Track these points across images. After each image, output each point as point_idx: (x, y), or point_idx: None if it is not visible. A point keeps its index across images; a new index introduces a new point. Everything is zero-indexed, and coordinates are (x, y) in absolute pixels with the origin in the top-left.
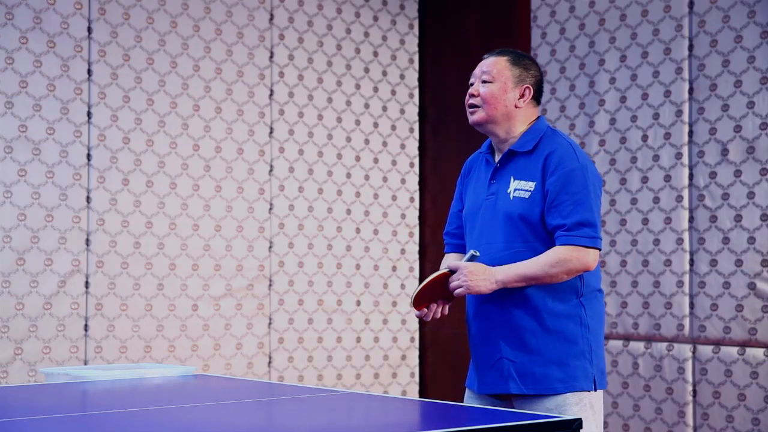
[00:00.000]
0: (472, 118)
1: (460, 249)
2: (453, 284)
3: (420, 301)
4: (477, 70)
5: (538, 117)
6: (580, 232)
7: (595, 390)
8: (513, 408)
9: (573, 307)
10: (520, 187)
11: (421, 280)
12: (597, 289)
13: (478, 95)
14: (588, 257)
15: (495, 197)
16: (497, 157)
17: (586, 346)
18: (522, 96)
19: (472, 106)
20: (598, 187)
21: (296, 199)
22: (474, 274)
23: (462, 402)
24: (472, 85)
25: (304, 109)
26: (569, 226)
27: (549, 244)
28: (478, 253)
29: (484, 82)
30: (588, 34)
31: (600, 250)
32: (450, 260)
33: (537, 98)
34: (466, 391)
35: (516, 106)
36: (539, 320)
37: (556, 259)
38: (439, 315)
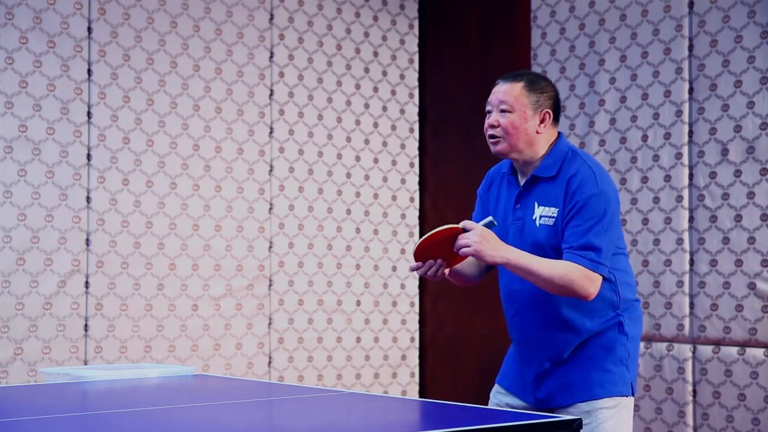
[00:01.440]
0: (495, 149)
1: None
2: (462, 241)
3: (423, 253)
4: (493, 98)
5: (558, 136)
6: (585, 254)
7: (632, 395)
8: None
9: (612, 318)
10: (545, 214)
11: (421, 283)
12: (633, 299)
13: (499, 125)
14: (591, 285)
15: (522, 222)
16: (521, 180)
17: (624, 353)
18: (542, 121)
19: (493, 136)
20: (615, 212)
21: (296, 199)
22: (487, 239)
23: (461, 402)
24: (489, 112)
25: (304, 109)
26: (576, 247)
27: None
28: (495, 222)
29: (502, 111)
30: (588, 34)
31: (603, 276)
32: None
33: (556, 118)
34: (496, 386)
35: (537, 132)
36: (582, 338)
37: (566, 272)
38: (433, 273)
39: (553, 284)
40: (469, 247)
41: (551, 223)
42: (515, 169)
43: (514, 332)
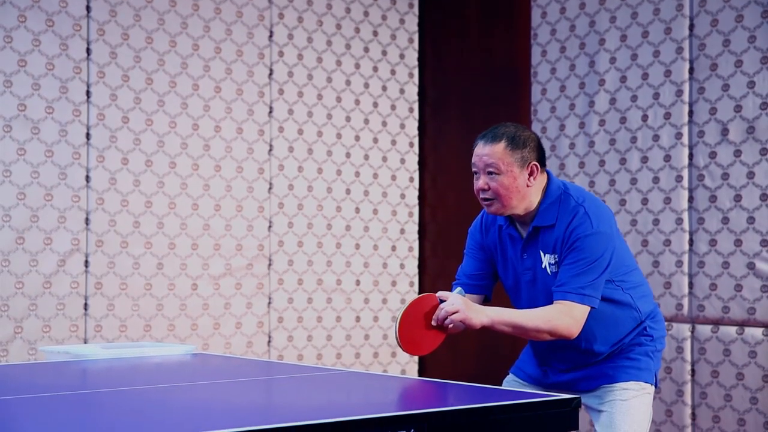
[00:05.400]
0: (490, 210)
1: (477, 290)
2: (449, 308)
3: (405, 328)
4: (478, 161)
5: (548, 179)
6: (573, 289)
7: (655, 386)
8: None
9: (639, 327)
10: (551, 261)
11: (420, 262)
12: (653, 308)
13: (489, 189)
14: (574, 324)
15: (532, 272)
16: (521, 230)
17: (651, 347)
18: (531, 174)
19: (485, 199)
20: (609, 248)
21: (296, 178)
22: (469, 305)
23: (461, 381)
24: (475, 173)
25: (303, 89)
26: (564, 283)
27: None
28: (464, 293)
29: (489, 173)
30: (588, 13)
31: (592, 307)
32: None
33: (543, 164)
34: (511, 376)
35: (528, 186)
36: (611, 348)
37: (549, 317)
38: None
39: (541, 333)
40: (457, 312)
41: (557, 270)
42: (511, 219)
43: (546, 358)
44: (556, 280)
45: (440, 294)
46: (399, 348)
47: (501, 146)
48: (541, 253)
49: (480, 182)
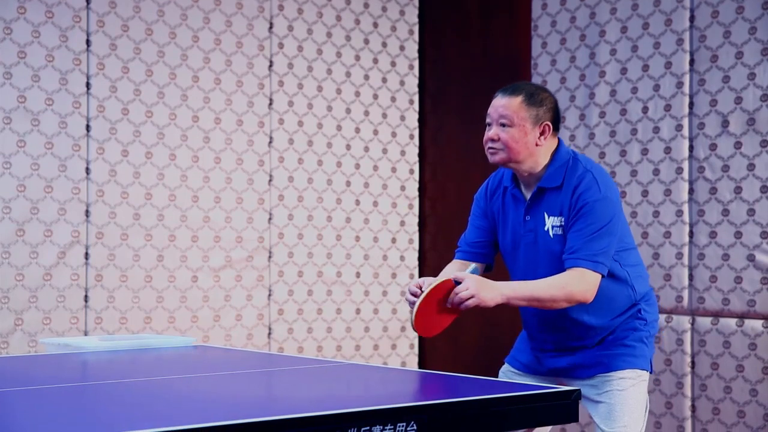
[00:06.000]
0: (493, 159)
1: (477, 258)
2: (462, 294)
3: (422, 314)
4: (493, 112)
5: (558, 143)
6: (585, 255)
7: (651, 372)
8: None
9: (632, 308)
10: (555, 224)
11: (420, 255)
12: (648, 289)
13: (498, 139)
14: (588, 289)
15: (534, 234)
16: (525, 192)
17: (645, 332)
18: (542, 134)
19: (492, 148)
20: (617, 215)
21: (296, 170)
22: (483, 285)
23: (461, 374)
24: (488, 125)
25: (303, 81)
26: (576, 250)
27: None
28: (479, 269)
29: (502, 125)
30: (589, 5)
31: (603, 275)
32: (452, 270)
33: (556, 128)
34: (507, 366)
35: (537, 145)
36: (606, 332)
37: (564, 284)
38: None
39: (557, 301)
40: (472, 298)
41: (561, 233)
42: (517, 181)
43: (538, 336)
44: (567, 247)
45: (456, 276)
46: (413, 330)
47: (518, 100)
48: (546, 215)
49: (491, 132)
